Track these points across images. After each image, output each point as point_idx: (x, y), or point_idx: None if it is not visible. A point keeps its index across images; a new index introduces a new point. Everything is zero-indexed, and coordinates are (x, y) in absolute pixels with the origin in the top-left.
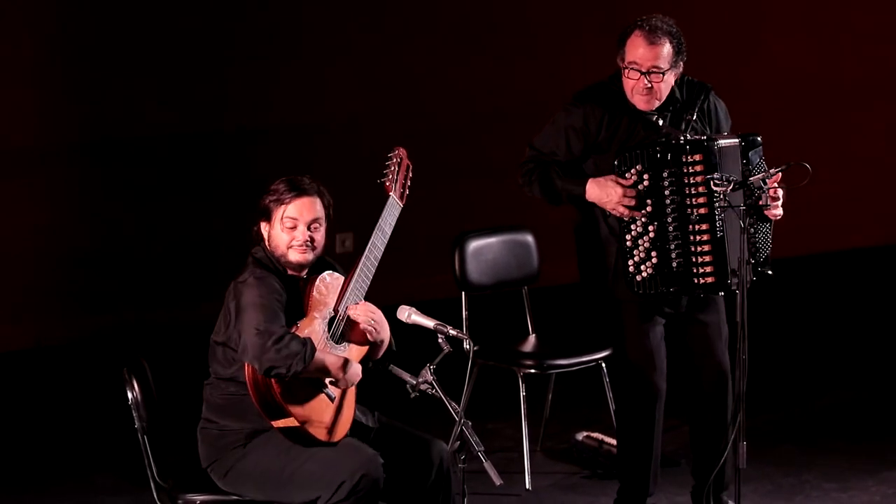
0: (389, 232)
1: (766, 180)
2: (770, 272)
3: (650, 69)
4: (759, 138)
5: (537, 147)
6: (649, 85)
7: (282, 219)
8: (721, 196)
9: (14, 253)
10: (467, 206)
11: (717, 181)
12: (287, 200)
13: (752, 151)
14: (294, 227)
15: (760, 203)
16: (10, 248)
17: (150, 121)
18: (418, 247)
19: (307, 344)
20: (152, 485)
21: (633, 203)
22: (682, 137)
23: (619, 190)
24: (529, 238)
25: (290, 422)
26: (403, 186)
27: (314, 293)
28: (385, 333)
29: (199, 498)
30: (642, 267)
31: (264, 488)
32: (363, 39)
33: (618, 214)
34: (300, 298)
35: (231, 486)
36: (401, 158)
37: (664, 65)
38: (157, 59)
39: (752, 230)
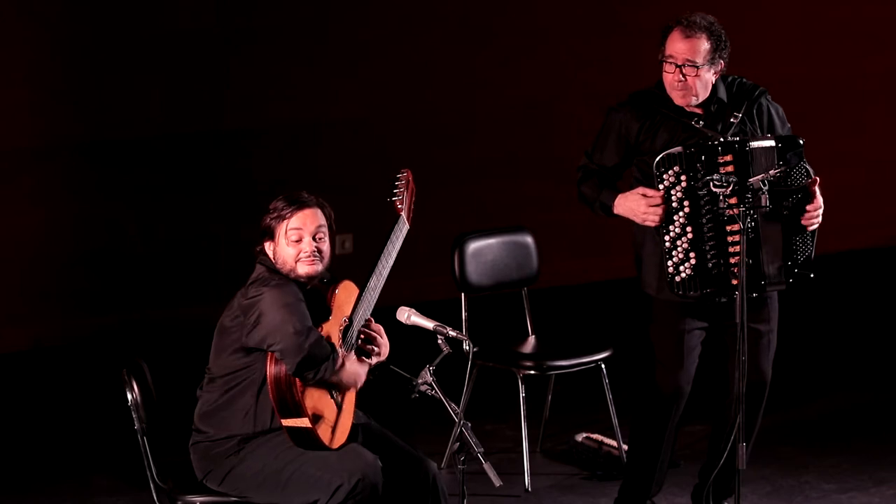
0: (396, 253)
1: (768, 181)
2: (812, 275)
3: (685, 62)
4: (800, 140)
5: (589, 154)
6: (683, 79)
7: (286, 233)
8: (721, 198)
9: (13, 253)
10: (467, 206)
11: (716, 182)
12: (288, 215)
13: (790, 153)
14: (299, 240)
15: (762, 204)
16: (9, 248)
17: (149, 121)
18: (418, 248)
19: (334, 350)
20: (152, 486)
21: (659, 213)
22: (720, 139)
23: (644, 201)
24: (529, 239)
25: (303, 422)
26: (409, 210)
27: (336, 298)
28: (386, 355)
29: (198, 499)
30: (681, 268)
31: (262, 490)
32: (363, 39)
33: (649, 224)
34: (317, 306)
35: (229, 489)
36: (408, 181)
37: (699, 59)
38: (157, 59)
39: (789, 231)
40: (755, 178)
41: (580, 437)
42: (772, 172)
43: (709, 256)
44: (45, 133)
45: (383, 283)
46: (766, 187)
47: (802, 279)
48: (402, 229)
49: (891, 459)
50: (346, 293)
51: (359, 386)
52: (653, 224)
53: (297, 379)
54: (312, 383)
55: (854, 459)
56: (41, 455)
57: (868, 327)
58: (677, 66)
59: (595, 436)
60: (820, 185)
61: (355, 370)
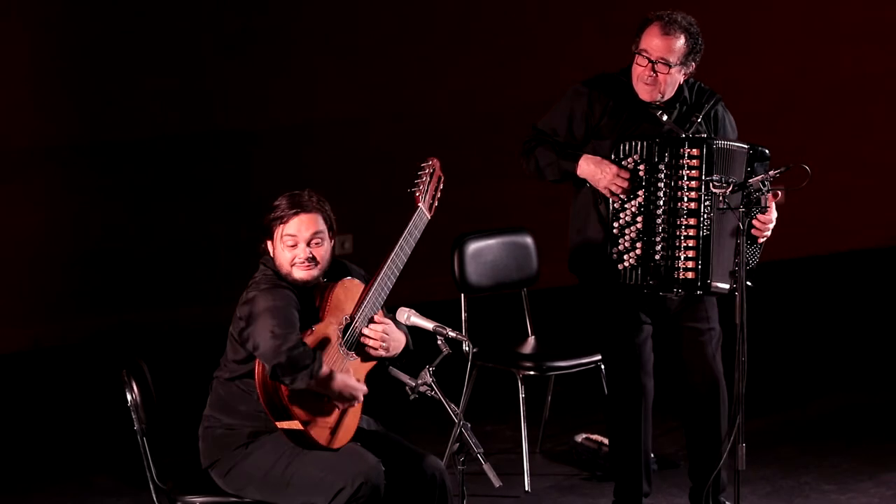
0: (414, 243)
1: (767, 182)
2: (749, 283)
3: (658, 59)
4: (766, 151)
5: (540, 127)
6: (654, 75)
7: (282, 237)
8: (721, 198)
9: (13, 254)
10: (467, 207)
11: (716, 183)
12: (286, 218)
13: (758, 163)
14: (294, 245)
15: (763, 205)
16: (8, 249)
17: (149, 122)
18: (418, 248)
19: (317, 360)
20: (151, 487)
21: (626, 184)
22: (685, 134)
23: (614, 169)
24: (529, 240)
25: (294, 424)
26: (433, 198)
27: (332, 298)
28: (397, 349)
29: (198, 500)
30: (625, 256)
31: (264, 490)
32: (363, 40)
33: (608, 194)
34: (314, 307)
35: (231, 485)
36: (433, 169)
37: (673, 58)
38: (157, 59)
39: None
40: (755, 178)
41: (580, 438)
42: (772, 172)
43: (657, 249)
44: (45, 133)
45: (397, 275)
46: (766, 187)
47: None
48: (421, 220)
49: (891, 460)
50: (346, 291)
51: (358, 399)
52: (616, 191)
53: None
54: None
55: (854, 460)
56: (41, 455)
57: (868, 328)
58: (650, 61)
59: (595, 436)
60: (787, 196)
61: (345, 384)
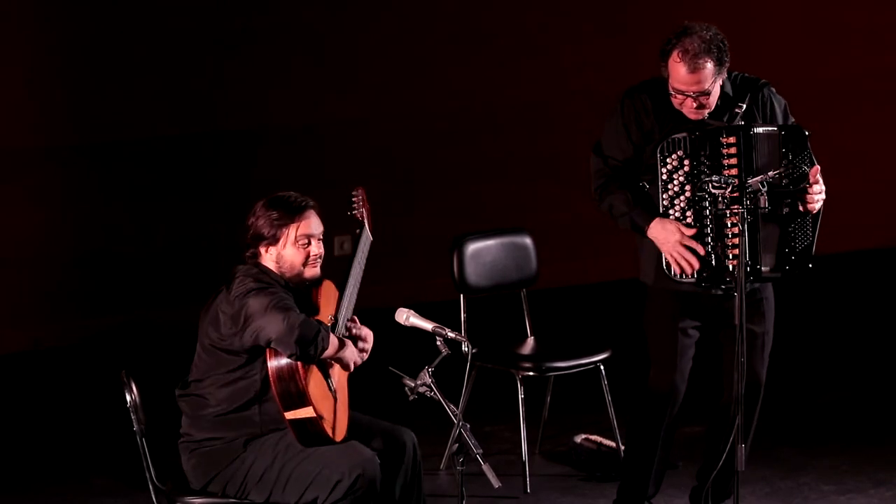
0: (364, 260)
1: (766, 182)
2: (810, 265)
3: (697, 93)
4: (805, 132)
5: (603, 153)
6: (698, 105)
7: (295, 239)
8: (721, 199)
9: (13, 253)
10: (466, 207)
11: (715, 183)
12: (295, 220)
13: (792, 143)
14: (309, 244)
15: (761, 205)
16: (8, 249)
17: (149, 122)
18: (417, 249)
19: (322, 324)
20: (150, 487)
21: (687, 253)
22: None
23: (678, 235)
24: (528, 240)
25: (308, 412)
26: (370, 222)
27: (321, 296)
28: (365, 358)
29: (197, 500)
30: None
31: (263, 491)
32: (362, 40)
33: (670, 259)
34: (303, 303)
35: (232, 492)
36: (362, 198)
37: (709, 84)
38: (157, 59)
39: (786, 220)
40: (754, 179)
41: (579, 439)
42: (770, 173)
43: (707, 241)
44: (45, 133)
45: (358, 288)
46: (765, 188)
47: (800, 269)
48: (369, 239)
49: (890, 461)
50: (326, 292)
51: (350, 368)
52: (675, 259)
53: (299, 365)
54: (315, 362)
55: (853, 461)
56: (41, 455)
57: (868, 328)
58: (689, 95)
59: (594, 437)
60: (821, 173)
61: (350, 347)
